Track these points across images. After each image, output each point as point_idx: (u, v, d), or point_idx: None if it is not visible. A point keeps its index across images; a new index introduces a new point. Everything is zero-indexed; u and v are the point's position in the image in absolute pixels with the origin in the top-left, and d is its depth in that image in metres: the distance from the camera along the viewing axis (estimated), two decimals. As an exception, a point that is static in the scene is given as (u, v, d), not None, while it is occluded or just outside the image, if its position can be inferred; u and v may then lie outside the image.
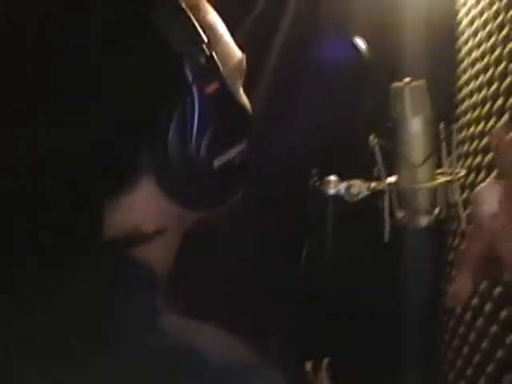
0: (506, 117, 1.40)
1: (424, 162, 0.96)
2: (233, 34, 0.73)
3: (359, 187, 1.03)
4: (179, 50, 0.58)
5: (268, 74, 1.65)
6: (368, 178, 1.02)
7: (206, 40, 0.60)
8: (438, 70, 1.65)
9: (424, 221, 0.98)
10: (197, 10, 0.63)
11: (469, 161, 1.60)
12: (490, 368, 1.40)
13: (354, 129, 1.28)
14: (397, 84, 0.97)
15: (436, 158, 0.97)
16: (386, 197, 0.98)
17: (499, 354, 1.37)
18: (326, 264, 1.19)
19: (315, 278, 1.22)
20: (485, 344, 1.44)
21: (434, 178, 0.97)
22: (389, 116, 0.97)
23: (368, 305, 1.65)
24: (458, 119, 1.73)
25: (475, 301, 1.50)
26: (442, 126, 0.97)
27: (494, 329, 1.40)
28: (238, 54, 0.70)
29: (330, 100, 1.39)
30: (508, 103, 1.39)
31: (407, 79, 0.96)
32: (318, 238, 1.14)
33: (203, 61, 0.58)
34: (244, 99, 0.69)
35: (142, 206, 0.61)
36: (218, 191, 0.63)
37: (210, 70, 0.59)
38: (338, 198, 1.05)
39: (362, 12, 1.70)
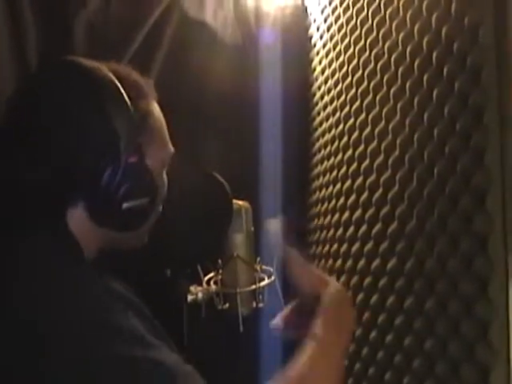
0: (354, 166, 1.56)
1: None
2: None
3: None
4: (119, 137, 0.89)
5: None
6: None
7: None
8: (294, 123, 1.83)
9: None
10: (148, 113, 0.98)
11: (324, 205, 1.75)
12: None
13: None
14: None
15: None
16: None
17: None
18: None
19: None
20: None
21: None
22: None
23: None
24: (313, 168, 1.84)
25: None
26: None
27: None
28: (168, 148, 1.03)
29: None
30: (356, 153, 1.55)
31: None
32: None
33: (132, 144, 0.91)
34: (156, 175, 0.98)
35: (78, 220, 0.93)
36: (124, 222, 0.94)
37: (135, 149, 0.92)
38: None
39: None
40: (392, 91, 1.37)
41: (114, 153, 0.88)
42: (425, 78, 1.24)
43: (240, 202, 1.29)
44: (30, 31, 1.37)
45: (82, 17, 1.46)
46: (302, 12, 1.92)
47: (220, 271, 1.32)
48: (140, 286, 1.43)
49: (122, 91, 0.91)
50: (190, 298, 1.26)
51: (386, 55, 1.40)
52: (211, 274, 1.34)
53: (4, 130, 0.94)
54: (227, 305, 1.33)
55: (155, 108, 1.01)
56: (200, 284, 1.31)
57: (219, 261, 1.32)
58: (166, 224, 1.09)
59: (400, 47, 1.33)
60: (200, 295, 1.27)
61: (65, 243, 0.91)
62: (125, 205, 0.90)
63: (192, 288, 1.28)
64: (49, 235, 0.90)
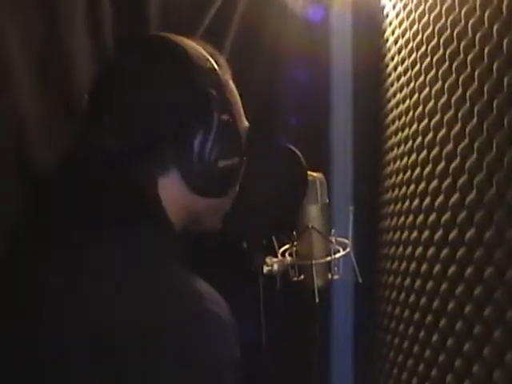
0: (429, 136, 1.54)
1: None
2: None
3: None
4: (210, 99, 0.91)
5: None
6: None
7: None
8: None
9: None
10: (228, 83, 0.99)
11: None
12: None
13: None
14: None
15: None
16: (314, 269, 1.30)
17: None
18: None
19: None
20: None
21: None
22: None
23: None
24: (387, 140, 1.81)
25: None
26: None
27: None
28: (245, 122, 1.04)
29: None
30: (432, 123, 1.50)
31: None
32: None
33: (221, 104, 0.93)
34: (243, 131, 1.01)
35: (171, 189, 0.93)
36: (219, 183, 0.96)
37: (226, 109, 0.94)
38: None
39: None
40: (469, 58, 1.33)
41: (205, 113, 0.90)
42: (504, 42, 1.20)
43: (314, 174, 1.29)
44: (105, 7, 1.40)
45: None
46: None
47: (295, 243, 1.34)
48: (218, 258, 1.47)
49: (209, 57, 0.94)
50: (265, 269, 1.27)
51: (462, 21, 1.36)
52: (286, 246, 1.36)
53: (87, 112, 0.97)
54: (302, 276, 1.35)
55: (231, 81, 1.02)
56: (275, 256, 1.32)
57: (294, 233, 1.34)
58: (242, 196, 1.10)
59: (478, 12, 1.29)
60: (275, 267, 1.28)
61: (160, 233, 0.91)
62: (220, 163, 0.91)
63: (267, 259, 1.29)
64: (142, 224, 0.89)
